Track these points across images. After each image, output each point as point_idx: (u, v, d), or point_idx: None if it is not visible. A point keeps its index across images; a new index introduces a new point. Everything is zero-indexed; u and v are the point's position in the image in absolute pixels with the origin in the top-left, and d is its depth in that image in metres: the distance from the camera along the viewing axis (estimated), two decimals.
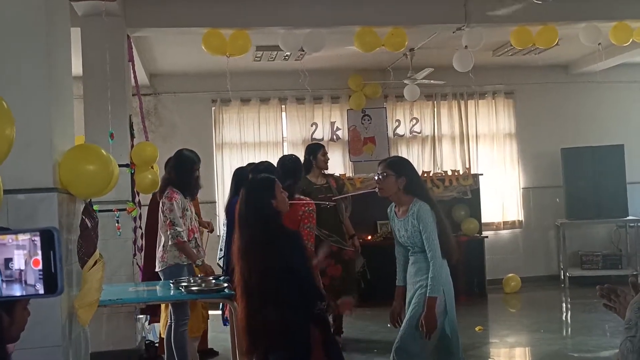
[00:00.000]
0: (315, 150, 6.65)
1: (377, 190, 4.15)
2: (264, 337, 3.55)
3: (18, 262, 1.23)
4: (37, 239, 1.23)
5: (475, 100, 10.19)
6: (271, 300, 3.56)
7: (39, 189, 3.17)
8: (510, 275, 9.38)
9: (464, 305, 7.84)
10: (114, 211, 6.00)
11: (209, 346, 6.45)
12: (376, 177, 4.14)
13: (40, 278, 1.23)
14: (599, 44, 7.45)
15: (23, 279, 1.23)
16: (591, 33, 7.23)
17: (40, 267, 1.23)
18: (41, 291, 1.23)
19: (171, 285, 4.94)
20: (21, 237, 1.24)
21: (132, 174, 6.25)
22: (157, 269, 5.45)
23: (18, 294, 1.24)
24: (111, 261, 5.57)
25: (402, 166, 4.16)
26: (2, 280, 1.23)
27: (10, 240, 1.24)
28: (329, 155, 9.59)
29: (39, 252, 1.23)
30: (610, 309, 2.36)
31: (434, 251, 3.90)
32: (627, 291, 2.31)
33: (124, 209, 6.11)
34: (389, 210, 4.24)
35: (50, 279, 1.23)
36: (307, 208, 4.77)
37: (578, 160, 9.66)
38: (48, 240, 1.23)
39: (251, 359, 3.70)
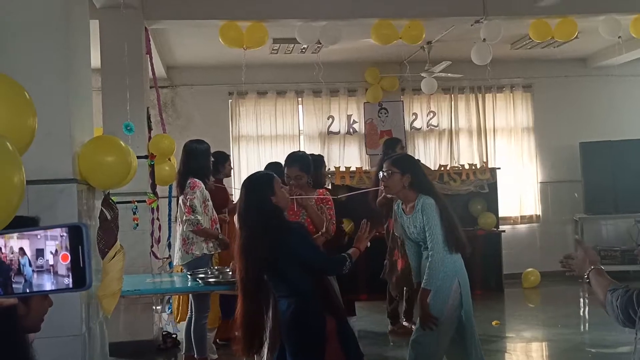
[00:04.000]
0: (394, 144, 6.83)
1: (382, 188, 4.16)
2: (270, 332, 3.55)
3: (48, 254, 1.24)
4: (66, 234, 1.24)
5: (493, 93, 10.14)
6: (280, 294, 3.58)
7: (59, 180, 3.20)
8: (529, 269, 9.32)
9: (480, 299, 7.83)
10: (132, 202, 6.02)
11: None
12: (381, 175, 4.14)
13: (68, 271, 1.24)
14: (619, 37, 7.36)
15: (53, 271, 1.24)
16: (611, 26, 7.15)
17: (68, 261, 1.24)
18: (70, 285, 1.24)
19: (189, 276, 4.96)
20: (50, 230, 1.25)
21: (152, 166, 6.27)
22: (177, 262, 5.46)
23: (48, 287, 1.25)
24: (128, 252, 5.59)
25: (406, 163, 4.17)
26: (32, 270, 1.24)
27: (40, 232, 1.25)
28: (346, 148, 9.61)
29: (68, 246, 1.24)
30: (570, 271, 2.68)
31: (435, 244, 3.91)
32: (575, 254, 2.64)
33: (143, 201, 6.14)
34: (395, 207, 4.26)
35: (79, 273, 1.24)
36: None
37: (596, 155, 9.57)
38: (76, 235, 1.24)
39: (248, 356, 3.70)
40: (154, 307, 6.39)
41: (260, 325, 3.55)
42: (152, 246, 6.33)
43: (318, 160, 5.80)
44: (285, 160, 4.87)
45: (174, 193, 6.08)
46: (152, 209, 6.29)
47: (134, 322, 6.22)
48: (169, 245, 6.60)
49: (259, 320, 3.55)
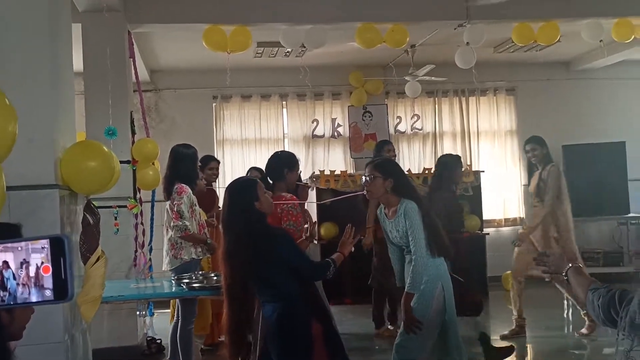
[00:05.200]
0: (381, 147, 6.86)
1: (365, 192, 4.16)
2: (258, 336, 3.54)
3: (31, 267, 1.24)
4: (47, 246, 1.23)
5: (476, 97, 10.19)
6: (265, 299, 3.56)
7: (40, 186, 3.16)
8: (508, 272, 9.35)
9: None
10: (113, 208, 5.98)
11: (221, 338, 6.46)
12: (364, 180, 4.14)
13: (51, 284, 1.24)
14: (601, 40, 7.42)
15: (35, 283, 1.24)
16: (593, 29, 7.21)
17: (50, 273, 1.23)
18: (52, 297, 1.24)
19: (173, 281, 4.93)
20: (33, 242, 1.24)
21: (134, 171, 6.23)
22: (166, 268, 5.42)
23: (31, 299, 1.25)
24: (111, 258, 5.55)
25: (388, 168, 4.18)
26: (17, 283, 1.24)
27: (23, 245, 1.24)
28: (330, 151, 9.57)
29: (49, 258, 1.24)
30: (546, 269, 2.65)
31: (418, 248, 3.92)
32: (551, 251, 2.65)
33: (124, 206, 6.09)
34: (378, 211, 4.27)
35: (61, 285, 1.24)
36: (285, 206, 4.52)
37: (579, 158, 9.63)
38: (58, 247, 1.24)
39: None
40: (137, 313, 6.34)
41: (247, 331, 3.53)
42: (136, 251, 6.29)
43: (455, 159, 5.80)
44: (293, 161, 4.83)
45: (159, 198, 6.04)
46: (136, 214, 6.25)
47: (118, 327, 6.17)
48: (150, 250, 6.57)
49: (246, 325, 3.53)
